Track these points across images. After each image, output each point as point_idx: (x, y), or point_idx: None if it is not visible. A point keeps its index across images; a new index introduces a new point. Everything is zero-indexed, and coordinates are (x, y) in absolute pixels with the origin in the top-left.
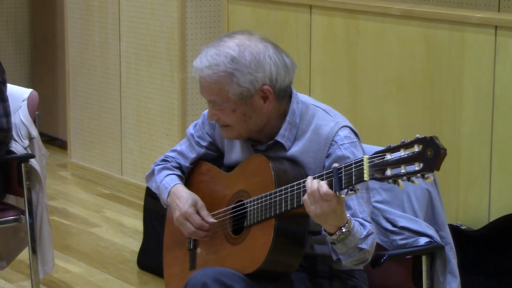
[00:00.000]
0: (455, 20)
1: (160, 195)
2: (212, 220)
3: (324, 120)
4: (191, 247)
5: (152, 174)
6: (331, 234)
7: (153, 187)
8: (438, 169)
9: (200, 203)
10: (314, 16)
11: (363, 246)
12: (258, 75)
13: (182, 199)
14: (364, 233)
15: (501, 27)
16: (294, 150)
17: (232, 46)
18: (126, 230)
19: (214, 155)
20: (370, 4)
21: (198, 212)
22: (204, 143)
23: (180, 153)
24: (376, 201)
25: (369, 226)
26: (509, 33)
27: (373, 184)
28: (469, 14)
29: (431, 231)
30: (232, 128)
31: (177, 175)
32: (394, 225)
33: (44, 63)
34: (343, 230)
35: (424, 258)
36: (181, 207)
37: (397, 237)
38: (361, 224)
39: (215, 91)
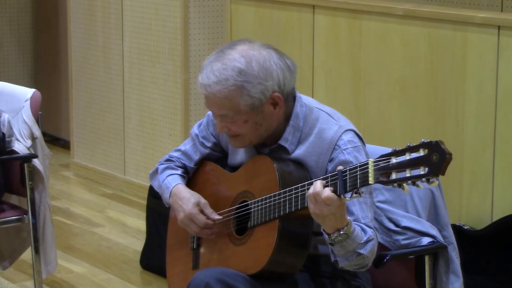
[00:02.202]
0: (458, 20)
1: (162, 195)
2: (217, 217)
3: (327, 124)
4: (194, 247)
5: (155, 172)
6: (329, 235)
7: (155, 186)
8: (443, 174)
9: (203, 201)
10: (317, 16)
11: (362, 251)
12: (268, 83)
13: (185, 200)
14: (365, 238)
15: (504, 27)
16: (298, 153)
17: (237, 58)
18: (129, 230)
19: (218, 155)
20: (373, 4)
21: (202, 211)
22: (208, 144)
23: (184, 153)
24: (379, 201)
25: (370, 232)
26: None
27: (376, 184)
28: (472, 14)
29: (434, 231)
30: (243, 137)
31: (180, 174)
32: (397, 225)
33: (47, 63)
34: (341, 232)
35: (427, 258)
36: (185, 208)
37: (400, 237)
38: (363, 230)
39: (226, 105)
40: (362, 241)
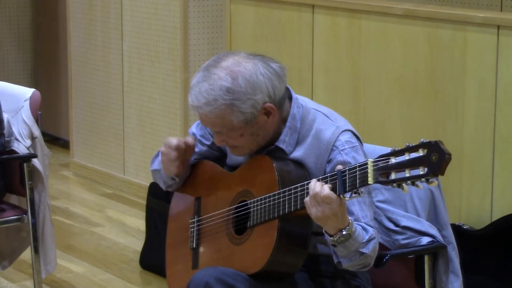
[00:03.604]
0: (458, 20)
1: (159, 169)
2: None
3: (324, 125)
4: (194, 246)
5: (155, 157)
6: (331, 236)
7: (155, 166)
8: (442, 174)
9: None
10: (317, 16)
11: (364, 250)
12: (257, 97)
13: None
14: (366, 237)
15: (504, 27)
16: (296, 154)
17: (223, 76)
18: (129, 229)
19: (216, 154)
20: (372, 4)
21: (186, 145)
22: (206, 142)
23: None
24: (379, 201)
25: (372, 231)
26: None
27: (374, 185)
28: (472, 14)
29: (433, 230)
30: (243, 148)
31: None
32: (396, 224)
33: (46, 63)
34: (344, 233)
35: (426, 257)
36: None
37: (399, 237)
38: (364, 229)
39: (219, 124)
40: (364, 240)
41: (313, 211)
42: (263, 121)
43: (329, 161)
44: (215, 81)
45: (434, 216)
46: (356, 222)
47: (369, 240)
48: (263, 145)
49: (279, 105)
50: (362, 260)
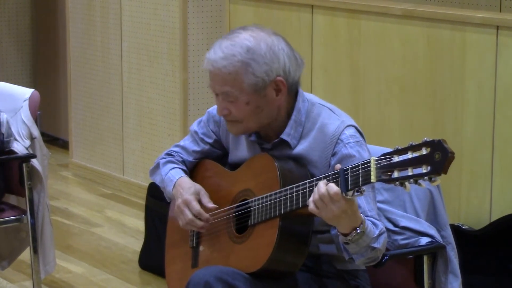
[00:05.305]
0: (457, 20)
1: (165, 188)
2: (212, 205)
3: (329, 119)
4: (194, 245)
5: (156, 167)
6: (346, 235)
7: (157, 181)
8: (445, 173)
9: (203, 191)
10: (316, 16)
11: (376, 245)
12: (274, 65)
13: (186, 188)
14: (377, 232)
15: (503, 27)
16: (300, 148)
17: (247, 37)
18: (128, 230)
19: (218, 152)
20: (371, 4)
21: (199, 201)
22: (209, 140)
23: (184, 148)
24: (378, 201)
25: (381, 225)
26: (511, 33)
27: (375, 184)
28: (471, 14)
29: (432, 231)
30: (242, 123)
31: (182, 169)
32: (395, 225)
33: (45, 63)
34: (358, 231)
35: (425, 258)
36: (183, 194)
37: (398, 237)
38: (373, 223)
39: (230, 82)
40: (375, 235)
41: (323, 214)
42: (271, 97)
43: (333, 154)
44: (238, 39)
45: (433, 217)
46: (367, 218)
47: (379, 235)
48: (264, 125)
49: (290, 88)
50: (373, 254)
